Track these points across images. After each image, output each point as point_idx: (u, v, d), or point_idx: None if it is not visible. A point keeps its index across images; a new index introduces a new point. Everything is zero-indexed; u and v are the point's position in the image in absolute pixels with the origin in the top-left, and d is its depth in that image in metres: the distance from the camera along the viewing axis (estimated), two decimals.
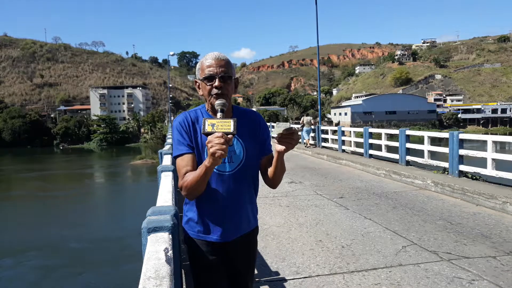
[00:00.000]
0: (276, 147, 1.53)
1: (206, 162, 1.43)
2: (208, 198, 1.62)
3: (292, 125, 1.53)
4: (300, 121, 16.63)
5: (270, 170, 1.65)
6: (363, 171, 9.76)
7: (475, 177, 7.28)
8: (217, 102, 1.54)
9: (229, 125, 1.41)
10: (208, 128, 1.42)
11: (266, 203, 6.32)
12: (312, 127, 16.01)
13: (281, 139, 1.49)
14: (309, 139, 15.80)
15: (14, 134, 76.50)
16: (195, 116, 1.65)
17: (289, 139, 1.49)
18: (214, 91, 1.58)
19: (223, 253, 1.69)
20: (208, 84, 1.59)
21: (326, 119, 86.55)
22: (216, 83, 1.57)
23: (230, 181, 1.63)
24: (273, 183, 1.69)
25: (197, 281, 1.73)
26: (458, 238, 4.33)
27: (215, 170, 1.58)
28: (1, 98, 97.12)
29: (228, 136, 1.40)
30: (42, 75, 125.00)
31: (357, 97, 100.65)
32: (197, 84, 1.66)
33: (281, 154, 1.55)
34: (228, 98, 1.60)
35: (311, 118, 16.39)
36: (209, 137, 1.39)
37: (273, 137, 1.58)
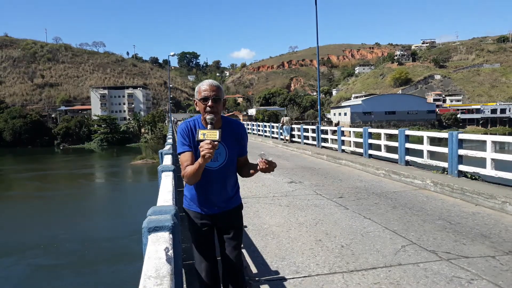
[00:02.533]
0: (259, 164, 2.14)
1: (199, 160, 2.00)
2: (200, 184, 2.21)
3: (268, 156, 2.12)
4: (281, 121, 20.05)
5: (246, 172, 2.31)
6: (363, 171, 9.77)
7: (474, 177, 7.29)
8: (208, 117, 2.10)
9: (216, 134, 1.96)
10: (200, 137, 1.97)
11: (266, 203, 6.33)
12: (291, 126, 19.52)
13: (260, 162, 2.11)
14: (287, 135, 19.16)
15: (15, 134, 76.42)
16: (194, 124, 2.22)
17: (263, 164, 2.10)
18: (208, 109, 2.13)
19: (210, 221, 2.28)
20: (203, 103, 2.14)
21: (325, 119, 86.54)
22: (209, 103, 2.12)
23: (216, 174, 2.21)
24: (243, 176, 2.36)
25: (194, 241, 2.32)
26: (457, 238, 4.35)
27: (206, 166, 2.12)
28: (2, 98, 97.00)
29: (215, 142, 1.94)
30: (42, 75, 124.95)
31: (356, 97, 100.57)
32: (195, 102, 2.23)
33: (259, 171, 2.18)
34: (218, 114, 2.17)
35: (289, 118, 20.43)
36: (201, 143, 1.95)
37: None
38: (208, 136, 1.94)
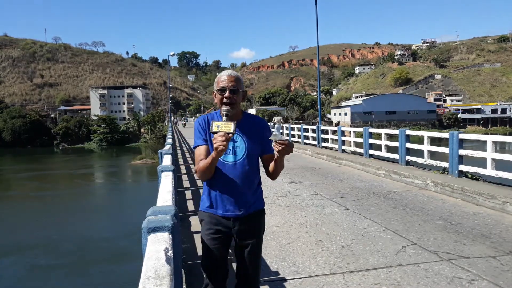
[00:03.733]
0: (274, 148, 1.95)
1: (213, 154, 1.90)
2: (216, 181, 2.06)
3: (282, 136, 1.92)
4: (272, 120, 21.42)
5: (271, 166, 2.11)
6: (363, 171, 9.76)
7: (475, 177, 7.28)
8: (223, 108, 2.00)
9: (230, 126, 1.86)
10: (214, 128, 1.88)
11: (266, 203, 6.28)
12: (282, 125, 20.95)
13: (275, 145, 1.92)
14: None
15: (14, 134, 76.45)
16: (211, 118, 2.10)
17: (278, 146, 1.90)
18: (224, 100, 2.03)
19: (225, 225, 2.07)
20: (220, 94, 2.05)
21: (326, 119, 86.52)
22: (226, 94, 2.03)
23: (233, 169, 2.05)
24: (272, 176, 2.17)
25: (203, 246, 2.10)
26: (458, 238, 4.33)
27: (222, 160, 2.02)
28: (1, 98, 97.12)
29: (229, 135, 1.84)
30: (42, 75, 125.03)
31: (357, 97, 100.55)
32: (214, 94, 2.12)
33: (278, 157, 1.97)
34: (236, 106, 2.06)
35: (280, 118, 22.65)
36: (215, 136, 1.86)
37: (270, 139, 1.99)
38: (222, 128, 1.86)
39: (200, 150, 2.04)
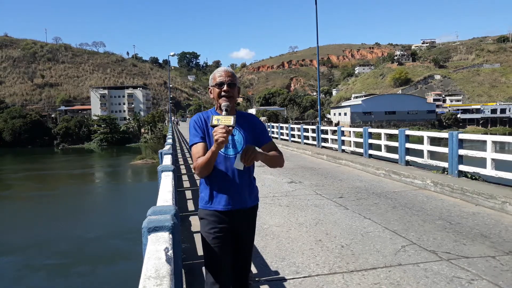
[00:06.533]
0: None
1: (213, 146, 1.94)
2: (216, 175, 2.10)
3: (241, 164, 2.00)
4: None
5: (271, 154, 2.20)
6: (363, 171, 9.76)
7: (474, 177, 7.28)
8: (223, 104, 2.07)
9: (230, 120, 1.91)
10: (214, 122, 1.94)
11: (266, 202, 6.32)
12: (267, 124, 23.19)
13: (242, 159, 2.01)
14: None
15: (14, 134, 76.42)
16: (207, 115, 2.17)
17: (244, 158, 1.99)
18: (223, 93, 2.12)
19: (226, 221, 2.11)
20: (218, 88, 2.13)
21: (325, 119, 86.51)
22: (225, 87, 2.12)
23: (232, 162, 2.10)
24: (271, 167, 2.27)
25: (204, 244, 2.14)
26: (457, 238, 4.34)
27: (222, 153, 2.09)
28: (2, 98, 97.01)
29: (229, 128, 1.90)
30: (42, 75, 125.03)
31: (356, 97, 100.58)
32: (210, 89, 2.21)
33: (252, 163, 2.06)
34: (233, 101, 2.14)
35: (265, 118, 25.87)
36: (215, 128, 1.91)
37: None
38: (223, 121, 1.91)
39: (198, 148, 2.09)
